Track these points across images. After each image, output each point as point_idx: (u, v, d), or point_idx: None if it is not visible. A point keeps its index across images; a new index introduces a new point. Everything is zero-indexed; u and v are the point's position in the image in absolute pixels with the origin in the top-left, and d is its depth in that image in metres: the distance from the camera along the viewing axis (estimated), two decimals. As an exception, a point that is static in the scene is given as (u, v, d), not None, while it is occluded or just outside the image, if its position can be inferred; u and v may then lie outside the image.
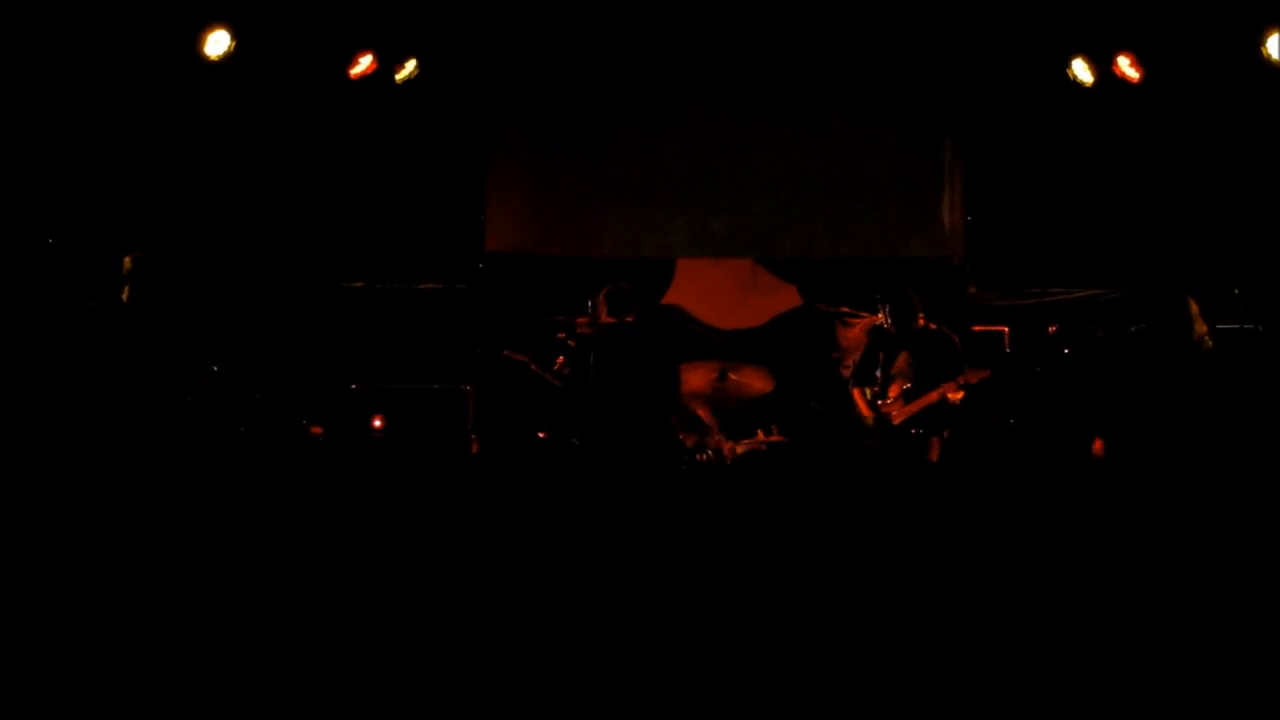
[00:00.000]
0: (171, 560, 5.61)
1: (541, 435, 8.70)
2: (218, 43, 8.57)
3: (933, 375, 8.01)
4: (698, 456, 8.76)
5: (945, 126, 10.02)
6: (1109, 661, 4.36)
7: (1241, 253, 9.11)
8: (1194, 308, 7.29)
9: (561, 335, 8.64)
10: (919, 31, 9.55)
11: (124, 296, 7.02)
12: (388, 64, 9.34)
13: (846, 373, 8.69)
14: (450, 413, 9.08)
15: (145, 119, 9.17)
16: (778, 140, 10.00)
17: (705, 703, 4.04)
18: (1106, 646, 4.50)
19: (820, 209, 9.99)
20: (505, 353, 8.92)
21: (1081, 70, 9.28)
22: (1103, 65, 9.20)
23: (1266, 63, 8.53)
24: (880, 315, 8.31)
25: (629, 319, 8.28)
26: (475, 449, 9.01)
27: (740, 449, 8.80)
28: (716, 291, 10.12)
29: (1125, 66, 9.12)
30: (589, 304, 8.49)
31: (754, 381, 9.13)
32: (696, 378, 9.10)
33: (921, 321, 8.18)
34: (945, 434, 8.01)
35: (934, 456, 7.99)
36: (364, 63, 9.23)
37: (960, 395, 7.88)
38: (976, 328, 9.39)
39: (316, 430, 8.96)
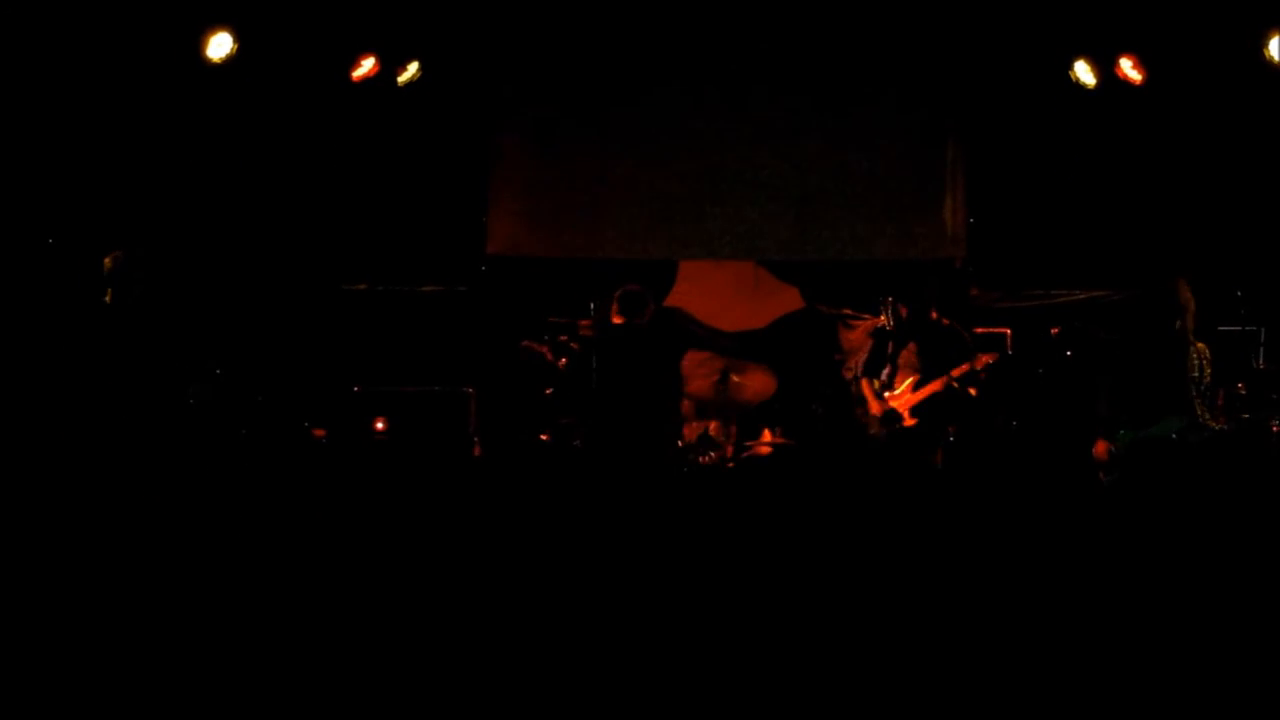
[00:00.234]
0: (174, 563, 5.60)
1: (544, 437, 8.70)
2: (220, 45, 8.58)
3: (941, 368, 8.01)
4: (699, 459, 8.76)
5: (947, 128, 10.02)
6: (1109, 662, 4.36)
7: (1244, 255, 9.11)
8: (1186, 292, 7.06)
9: (564, 338, 8.64)
10: (921, 34, 9.57)
11: (107, 298, 6.92)
12: (390, 66, 9.35)
13: (849, 374, 8.69)
14: (452, 415, 9.09)
15: (148, 121, 9.17)
16: (780, 143, 9.99)
17: (707, 703, 4.04)
18: (1107, 646, 4.50)
19: (823, 212, 9.99)
20: (525, 343, 8.90)
21: (1084, 72, 9.28)
22: (1105, 67, 9.21)
23: (1268, 65, 8.53)
24: (882, 317, 8.30)
25: (639, 321, 8.21)
26: (477, 451, 9.01)
27: (744, 453, 8.81)
28: (718, 294, 10.12)
29: (1127, 68, 9.11)
30: (591, 306, 8.48)
31: (756, 383, 9.13)
32: (699, 380, 9.11)
33: (934, 315, 8.18)
34: (949, 436, 8.01)
35: (938, 460, 7.98)
36: (366, 65, 9.24)
37: (982, 366, 7.84)
38: (979, 330, 9.37)
39: (318, 432, 8.97)
